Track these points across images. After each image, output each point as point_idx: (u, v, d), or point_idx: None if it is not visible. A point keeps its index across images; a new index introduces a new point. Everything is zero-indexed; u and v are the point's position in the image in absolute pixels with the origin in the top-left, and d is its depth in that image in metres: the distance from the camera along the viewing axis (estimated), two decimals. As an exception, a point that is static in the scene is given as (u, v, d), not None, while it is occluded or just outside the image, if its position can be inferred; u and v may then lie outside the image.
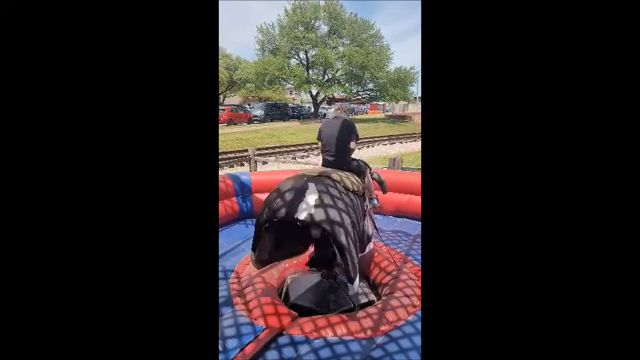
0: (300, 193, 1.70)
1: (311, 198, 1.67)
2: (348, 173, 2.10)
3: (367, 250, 2.26)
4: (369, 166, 2.42)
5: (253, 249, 1.89)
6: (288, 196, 1.71)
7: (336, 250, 1.62)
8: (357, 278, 1.70)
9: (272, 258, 2.04)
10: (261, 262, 1.95)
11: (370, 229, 2.26)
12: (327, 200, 1.68)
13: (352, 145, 2.20)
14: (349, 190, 1.93)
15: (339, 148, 2.16)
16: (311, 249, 2.28)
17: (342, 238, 1.61)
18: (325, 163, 2.24)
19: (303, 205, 1.64)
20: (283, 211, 1.66)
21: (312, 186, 1.74)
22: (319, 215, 1.61)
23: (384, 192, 2.56)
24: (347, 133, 2.17)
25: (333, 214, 1.65)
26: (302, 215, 1.61)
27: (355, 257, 1.67)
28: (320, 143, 2.30)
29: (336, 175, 1.96)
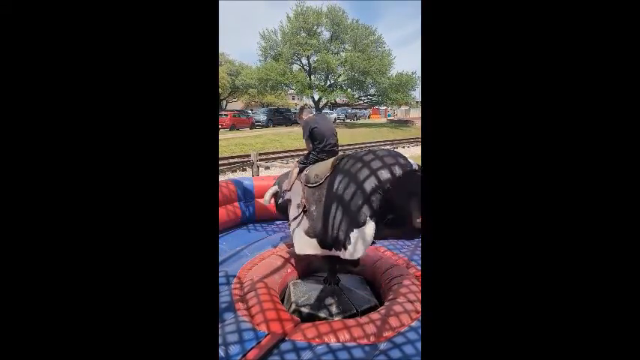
0: (394, 156, 1.80)
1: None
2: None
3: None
4: None
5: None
6: (391, 156, 1.79)
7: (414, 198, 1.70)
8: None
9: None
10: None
11: None
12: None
13: None
14: None
15: (334, 144, 2.33)
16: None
17: None
18: (332, 156, 2.25)
19: (404, 160, 1.77)
20: (401, 166, 1.73)
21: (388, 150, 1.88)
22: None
23: None
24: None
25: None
26: (415, 165, 1.75)
27: None
28: (313, 142, 2.33)
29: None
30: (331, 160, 2.07)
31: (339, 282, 2.25)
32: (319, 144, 2.29)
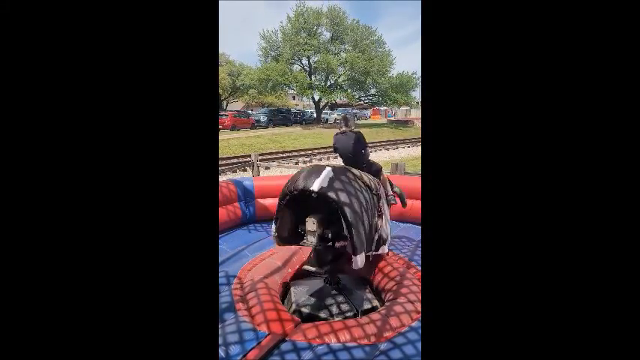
0: (317, 173, 2.03)
1: (325, 175, 2.00)
2: (364, 173, 2.34)
3: (381, 251, 2.30)
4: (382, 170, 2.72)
5: (275, 222, 2.17)
6: (307, 175, 2.04)
7: (344, 224, 1.88)
8: (362, 255, 1.92)
9: (291, 240, 2.23)
10: (281, 239, 2.20)
11: (385, 232, 2.32)
12: (339, 183, 1.98)
13: (367, 152, 2.64)
14: (366, 184, 2.19)
15: (354, 161, 2.53)
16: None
17: (348, 213, 1.88)
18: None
19: (317, 180, 1.96)
20: (300, 184, 1.98)
21: (328, 169, 2.06)
22: (330, 190, 1.91)
23: (404, 206, 2.96)
24: (360, 147, 2.56)
25: (343, 194, 1.93)
26: (315, 187, 1.92)
27: (362, 234, 1.93)
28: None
29: (356, 170, 2.25)
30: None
31: (339, 282, 2.25)
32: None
